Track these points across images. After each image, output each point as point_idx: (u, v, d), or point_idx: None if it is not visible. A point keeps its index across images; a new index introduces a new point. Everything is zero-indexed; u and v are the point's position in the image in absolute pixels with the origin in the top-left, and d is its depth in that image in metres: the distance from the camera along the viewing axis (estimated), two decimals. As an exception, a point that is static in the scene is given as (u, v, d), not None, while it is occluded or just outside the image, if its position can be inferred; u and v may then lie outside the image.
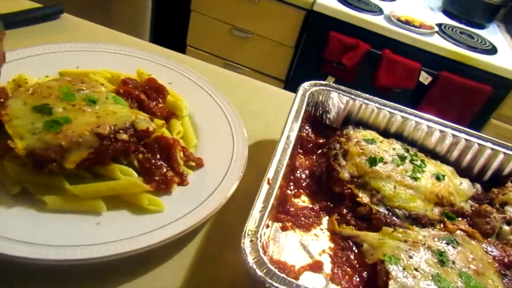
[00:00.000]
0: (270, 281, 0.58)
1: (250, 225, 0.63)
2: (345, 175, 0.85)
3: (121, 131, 0.73)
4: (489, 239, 0.83)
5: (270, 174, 0.72)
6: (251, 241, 0.62)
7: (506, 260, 0.79)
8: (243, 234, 0.62)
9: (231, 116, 0.95)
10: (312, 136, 0.96)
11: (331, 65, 2.87)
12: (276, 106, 1.17)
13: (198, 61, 1.26)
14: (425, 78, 2.63)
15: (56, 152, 0.68)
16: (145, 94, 0.88)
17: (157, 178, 0.75)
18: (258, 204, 0.67)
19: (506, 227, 0.86)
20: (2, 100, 0.75)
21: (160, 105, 0.88)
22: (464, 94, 2.57)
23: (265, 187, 0.70)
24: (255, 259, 0.60)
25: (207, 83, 1.03)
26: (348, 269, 0.73)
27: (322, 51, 2.79)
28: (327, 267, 0.73)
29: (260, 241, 0.62)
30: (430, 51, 2.51)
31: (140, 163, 0.76)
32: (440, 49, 2.48)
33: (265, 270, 0.59)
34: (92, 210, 0.69)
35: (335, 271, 0.72)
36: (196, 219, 0.71)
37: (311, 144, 0.94)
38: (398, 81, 2.71)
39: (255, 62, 3.04)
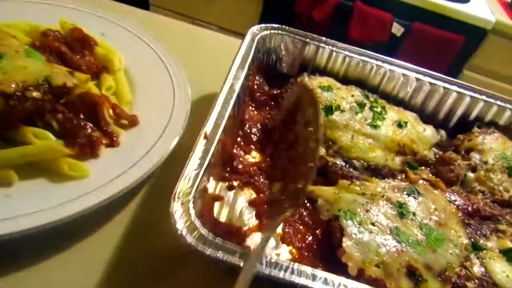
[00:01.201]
0: (203, 246, 0.51)
1: (182, 186, 0.55)
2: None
3: (31, 88, 0.63)
4: (453, 188, 0.78)
5: (208, 127, 0.63)
6: (182, 203, 0.54)
7: (470, 209, 0.74)
8: (172, 196, 0.54)
9: (172, 68, 0.85)
10: (265, 87, 0.87)
11: (300, 20, 2.74)
12: (226, 55, 1.07)
13: (144, 12, 1.13)
14: (397, 29, 2.55)
15: (-50, 114, 0.57)
16: (68, 46, 0.76)
17: (80, 140, 0.65)
18: (193, 162, 0.59)
19: (471, 174, 0.80)
20: None
21: (86, 58, 0.77)
22: (437, 45, 2.50)
23: (201, 143, 0.61)
24: (187, 224, 0.52)
25: (146, 34, 0.92)
26: (301, 227, 0.67)
27: (291, 5, 2.65)
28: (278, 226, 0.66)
29: (193, 202, 0.54)
30: (402, 1, 2.41)
31: (60, 124, 0.66)
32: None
33: (197, 235, 0.51)
34: (2, 181, 0.59)
35: (287, 230, 0.66)
36: (126, 183, 0.62)
37: (264, 97, 0.86)
38: (370, 33, 2.62)
39: (222, 20, 2.88)
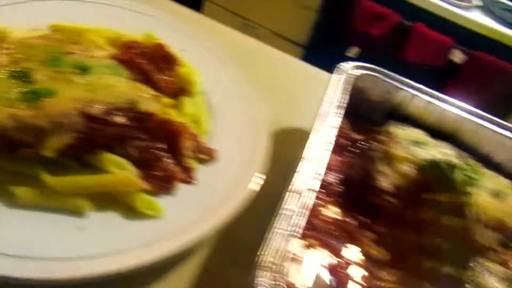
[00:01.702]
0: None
1: (265, 255, 0.49)
2: (386, 185, 0.70)
3: (117, 112, 0.58)
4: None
5: (302, 181, 0.57)
6: (268, 274, 0.48)
7: None
8: (254, 264, 0.47)
9: (252, 96, 0.79)
10: (348, 130, 0.80)
11: (356, 34, 2.65)
12: (303, 84, 1.01)
13: (213, 23, 1.08)
14: (457, 56, 2.43)
15: (32, 134, 0.53)
16: (153, 63, 0.72)
17: (157, 173, 0.61)
18: (279, 225, 0.52)
19: None
20: (-28, 58, 0.60)
21: (168, 78, 0.72)
22: (500, 77, 2.37)
23: (289, 199, 0.55)
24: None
25: (224, 53, 0.86)
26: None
27: (349, 18, 2.57)
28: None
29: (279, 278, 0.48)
30: (465, 26, 2.29)
31: (137, 153, 0.61)
32: (477, 25, 2.26)
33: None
34: (73, 210, 0.55)
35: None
36: (203, 230, 0.57)
37: (346, 141, 0.79)
38: (427, 56, 2.51)
39: (274, 23, 2.82)
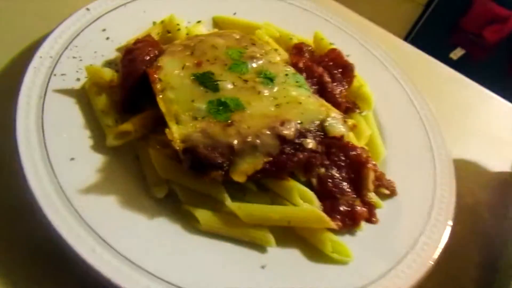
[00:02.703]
0: None
1: None
2: None
3: (308, 135, 0.50)
4: None
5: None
6: None
7: None
8: None
9: (426, 117, 0.68)
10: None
11: (465, 35, 2.40)
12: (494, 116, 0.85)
13: (378, 29, 0.95)
14: None
15: (225, 154, 0.47)
16: (329, 72, 0.63)
17: (341, 208, 0.52)
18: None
19: None
20: (152, 55, 0.54)
21: (344, 91, 0.63)
22: None
23: None
24: None
25: (392, 63, 0.76)
26: None
27: (459, 17, 2.32)
28: None
29: None
30: None
31: (320, 182, 0.53)
32: None
33: None
34: (257, 242, 0.48)
35: None
36: (394, 285, 0.48)
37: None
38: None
39: (375, 14, 2.63)
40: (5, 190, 0.48)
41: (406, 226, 0.55)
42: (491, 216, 0.65)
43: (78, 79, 0.56)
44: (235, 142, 0.47)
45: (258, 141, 0.47)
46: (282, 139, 0.48)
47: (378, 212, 0.55)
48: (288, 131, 0.49)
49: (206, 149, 0.46)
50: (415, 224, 0.55)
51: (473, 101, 0.86)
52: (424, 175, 0.61)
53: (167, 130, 0.47)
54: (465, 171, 0.69)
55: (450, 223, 0.55)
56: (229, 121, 0.48)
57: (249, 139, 0.47)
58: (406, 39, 2.69)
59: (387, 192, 0.57)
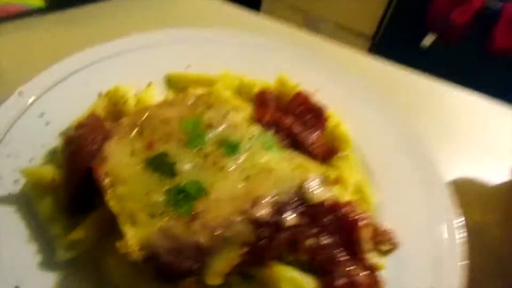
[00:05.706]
0: None
1: None
2: None
3: (286, 209, 0.44)
4: None
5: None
6: None
7: None
8: None
9: (414, 147, 0.62)
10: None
11: (434, 20, 2.37)
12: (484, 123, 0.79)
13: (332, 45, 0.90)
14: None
15: (193, 257, 0.40)
16: (298, 119, 0.56)
17: (338, 282, 0.46)
18: None
19: None
20: (96, 144, 0.47)
21: (318, 137, 0.57)
22: None
23: None
24: None
25: (365, 89, 0.69)
26: None
27: (426, 5, 2.29)
28: None
29: None
30: None
31: (311, 257, 0.46)
32: None
33: None
34: None
35: None
36: None
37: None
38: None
39: (339, 14, 2.59)
40: None
41: (414, 282, 0.48)
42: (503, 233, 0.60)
43: (16, 181, 0.49)
44: (202, 240, 0.40)
45: (229, 232, 0.41)
46: (257, 223, 0.42)
47: (383, 275, 0.49)
48: (262, 211, 0.42)
49: (170, 254, 0.39)
50: (424, 277, 0.49)
51: (458, 108, 0.81)
52: (419, 216, 0.55)
53: (118, 244, 0.39)
54: (465, 188, 0.64)
55: (461, 264, 0.49)
56: (193, 213, 0.41)
57: (218, 232, 0.40)
58: (376, 35, 2.66)
59: (387, 247, 0.51)
